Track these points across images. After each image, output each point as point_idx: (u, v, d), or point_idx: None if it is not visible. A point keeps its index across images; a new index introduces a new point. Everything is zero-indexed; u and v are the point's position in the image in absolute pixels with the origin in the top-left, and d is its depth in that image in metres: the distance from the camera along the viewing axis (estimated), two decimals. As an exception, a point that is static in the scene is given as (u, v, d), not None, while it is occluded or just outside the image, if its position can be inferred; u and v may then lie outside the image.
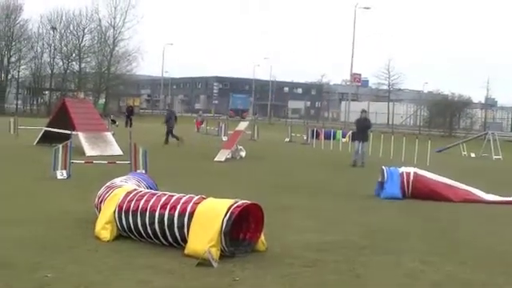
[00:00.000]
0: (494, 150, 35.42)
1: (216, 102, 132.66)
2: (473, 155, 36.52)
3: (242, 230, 9.44)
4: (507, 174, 26.14)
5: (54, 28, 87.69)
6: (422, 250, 10.20)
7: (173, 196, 9.61)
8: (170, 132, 34.29)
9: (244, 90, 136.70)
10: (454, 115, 71.82)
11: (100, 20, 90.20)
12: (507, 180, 23.15)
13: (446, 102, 76.61)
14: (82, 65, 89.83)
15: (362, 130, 26.80)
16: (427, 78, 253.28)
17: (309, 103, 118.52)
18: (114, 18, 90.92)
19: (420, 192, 16.29)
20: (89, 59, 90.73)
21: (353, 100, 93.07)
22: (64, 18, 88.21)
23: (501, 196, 16.89)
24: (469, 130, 65.92)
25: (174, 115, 35.47)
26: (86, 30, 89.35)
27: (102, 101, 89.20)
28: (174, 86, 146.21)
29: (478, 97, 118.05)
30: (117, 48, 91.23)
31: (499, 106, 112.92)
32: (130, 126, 49.05)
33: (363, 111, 27.76)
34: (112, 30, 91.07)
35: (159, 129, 39.09)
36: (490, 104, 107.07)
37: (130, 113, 56.97)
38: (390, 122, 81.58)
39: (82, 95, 36.44)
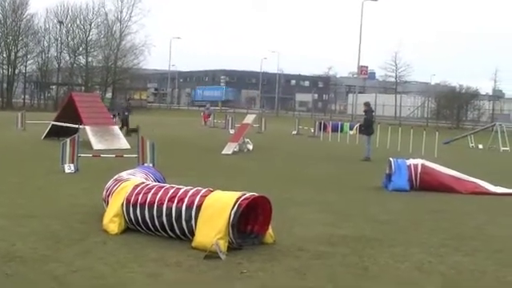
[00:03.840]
0: (501, 141, 35.34)
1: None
2: (480, 147, 36.47)
3: (249, 222, 9.45)
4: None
5: (60, 22, 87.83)
6: (430, 241, 10.19)
7: (180, 189, 9.62)
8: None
9: (251, 83, 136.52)
10: (461, 107, 71.52)
11: (107, 14, 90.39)
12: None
13: (453, 94, 76.22)
14: (89, 59, 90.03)
15: (363, 123, 26.79)
16: (435, 69, 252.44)
17: (316, 96, 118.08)
18: (121, 12, 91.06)
19: (428, 184, 16.26)
20: (95, 53, 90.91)
21: (360, 92, 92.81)
22: (70, 12, 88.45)
23: (509, 188, 16.86)
24: (476, 122, 65.76)
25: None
26: (92, 24, 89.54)
27: (108, 95, 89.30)
28: (181, 80, 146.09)
29: (485, 88, 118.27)
30: (123, 42, 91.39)
31: (507, 97, 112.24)
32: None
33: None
34: (119, 24, 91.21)
35: (166, 121, 38.94)
36: (497, 95, 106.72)
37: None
38: (398, 115, 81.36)
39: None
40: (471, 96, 74.96)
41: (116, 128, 27.38)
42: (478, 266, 8.73)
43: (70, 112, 27.37)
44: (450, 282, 8.02)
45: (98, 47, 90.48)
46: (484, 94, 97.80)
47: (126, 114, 35.09)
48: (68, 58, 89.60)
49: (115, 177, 11.07)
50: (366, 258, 8.94)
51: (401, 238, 10.38)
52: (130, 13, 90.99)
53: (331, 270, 8.29)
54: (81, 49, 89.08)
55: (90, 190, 13.97)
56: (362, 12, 75.09)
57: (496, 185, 17.01)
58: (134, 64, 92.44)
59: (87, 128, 25.67)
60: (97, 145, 24.88)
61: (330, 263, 8.59)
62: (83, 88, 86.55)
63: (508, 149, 34.60)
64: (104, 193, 10.85)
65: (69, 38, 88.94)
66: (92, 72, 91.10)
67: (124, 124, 33.94)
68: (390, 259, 8.93)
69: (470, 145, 37.27)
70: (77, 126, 24.73)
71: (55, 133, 28.04)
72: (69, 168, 17.51)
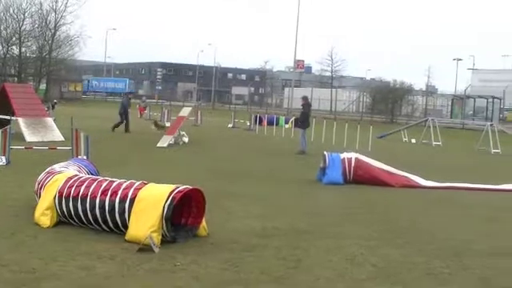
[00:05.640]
0: (433, 136, 36.00)
1: (159, 87, 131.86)
2: (413, 141, 37.11)
3: (183, 215, 9.44)
4: (446, 160, 26.62)
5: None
6: (362, 234, 10.35)
7: (114, 182, 9.56)
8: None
9: (188, 76, 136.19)
10: (395, 102, 72.68)
11: (41, 3, 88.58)
12: (445, 166, 23.61)
13: (388, 89, 77.38)
14: (23, 49, 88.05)
15: (300, 117, 26.90)
16: (370, 65, 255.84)
17: (252, 89, 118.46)
18: (56, 2, 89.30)
19: (361, 178, 16.48)
20: (29, 43, 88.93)
21: (296, 86, 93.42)
22: (3, 0, 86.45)
23: (439, 182, 17.24)
24: (410, 117, 66.89)
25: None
26: (26, 14, 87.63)
27: (43, 86, 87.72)
28: (117, 72, 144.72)
29: (419, 84, 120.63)
30: (58, 32, 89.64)
31: (439, 93, 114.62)
32: None
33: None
34: (53, 14, 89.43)
35: (100, 113, 38.32)
36: (430, 91, 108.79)
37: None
38: (333, 109, 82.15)
39: None
40: (405, 91, 76.20)
41: (49, 120, 26.93)
42: (409, 258, 8.91)
43: (2, 103, 26.83)
44: (381, 273, 8.16)
45: (32, 37, 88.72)
46: (418, 89, 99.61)
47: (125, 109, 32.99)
48: (0, 48, 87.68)
49: (47, 169, 10.92)
50: (298, 250, 9.03)
51: (333, 231, 10.51)
52: (66, 3, 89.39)
53: (264, 262, 8.35)
54: (14, 39, 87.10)
55: (22, 182, 13.74)
56: (299, 6, 75.47)
57: (427, 179, 17.37)
58: (69, 55, 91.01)
59: (20, 120, 25.21)
60: (30, 137, 24.46)
61: (263, 255, 8.66)
62: (16, 79, 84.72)
63: (440, 143, 35.28)
64: (36, 185, 10.69)
65: (1, 28, 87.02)
66: (26, 63, 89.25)
67: (123, 120, 32.33)
68: (322, 251, 9.04)
69: (404, 139, 37.89)
70: (9, 117, 24.29)
71: (-14, 124, 27.47)
72: (0, 160, 17.20)
